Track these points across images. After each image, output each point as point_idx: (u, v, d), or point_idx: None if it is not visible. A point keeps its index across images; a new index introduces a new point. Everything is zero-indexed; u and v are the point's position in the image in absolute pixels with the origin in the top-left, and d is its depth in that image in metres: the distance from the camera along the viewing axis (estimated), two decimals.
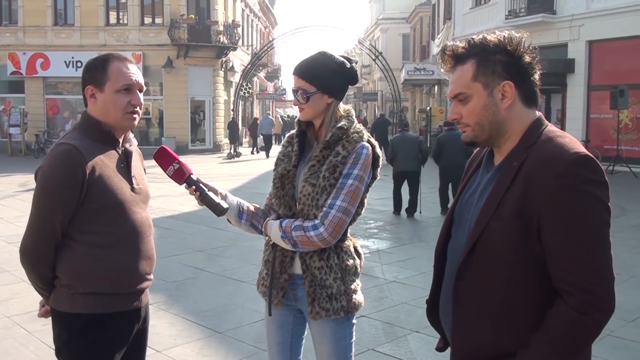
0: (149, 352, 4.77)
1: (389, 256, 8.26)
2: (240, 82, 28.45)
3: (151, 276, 2.61)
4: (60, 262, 2.40)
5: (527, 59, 1.85)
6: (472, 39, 1.89)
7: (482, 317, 1.84)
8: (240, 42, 32.28)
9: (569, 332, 1.70)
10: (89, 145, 2.40)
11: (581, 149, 1.75)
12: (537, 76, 1.89)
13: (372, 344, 4.99)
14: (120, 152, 2.53)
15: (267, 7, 49.20)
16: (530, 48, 1.86)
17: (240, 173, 20.03)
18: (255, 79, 39.39)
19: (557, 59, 20.83)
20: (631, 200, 12.87)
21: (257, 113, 43.67)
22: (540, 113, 1.94)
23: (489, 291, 1.82)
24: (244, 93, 30.09)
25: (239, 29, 31.79)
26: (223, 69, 30.27)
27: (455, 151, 10.77)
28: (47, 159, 2.39)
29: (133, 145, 2.62)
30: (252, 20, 42.20)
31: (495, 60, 1.84)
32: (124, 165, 2.52)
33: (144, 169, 2.73)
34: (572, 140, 1.81)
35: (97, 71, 2.45)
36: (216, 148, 29.60)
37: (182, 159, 2.57)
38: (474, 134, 1.91)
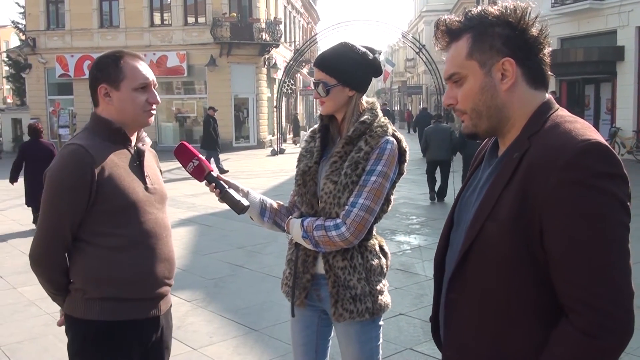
0: (184, 349, 4.80)
1: (431, 252, 8.09)
2: (283, 78, 28.41)
3: (171, 281, 2.49)
4: (73, 266, 2.32)
5: (533, 32, 1.56)
6: (470, 10, 1.64)
7: (477, 336, 1.58)
8: (282, 39, 32.34)
9: (576, 358, 1.40)
10: (99, 145, 2.31)
11: (593, 135, 1.45)
12: (546, 52, 1.59)
13: (411, 343, 4.89)
14: (132, 151, 2.44)
15: (310, 3, 49.17)
16: (538, 20, 1.58)
17: (284, 169, 20.01)
18: (298, 75, 39.42)
19: (606, 46, 20.21)
20: None
21: (300, 109, 43.73)
22: (550, 95, 1.63)
23: (486, 305, 1.55)
24: (287, 89, 30.07)
25: (281, 26, 31.84)
26: (266, 66, 30.38)
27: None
28: (55, 160, 2.31)
29: (146, 144, 2.53)
30: (294, 17, 42.25)
31: (493, 34, 1.57)
32: (137, 164, 2.43)
33: (160, 170, 2.65)
34: (584, 125, 1.51)
35: (110, 69, 2.36)
36: (260, 145, 29.73)
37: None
38: (472, 123, 1.63)
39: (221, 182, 2.43)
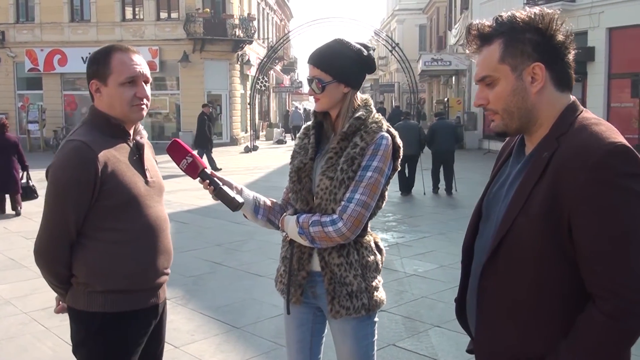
0: (166, 347, 4.72)
1: (409, 249, 8.16)
2: (257, 75, 28.32)
3: (168, 270, 2.56)
4: (76, 260, 2.35)
5: (560, 38, 1.70)
6: (500, 16, 1.75)
7: (507, 320, 1.71)
8: (256, 36, 32.21)
9: (601, 339, 1.56)
10: (99, 140, 2.34)
11: (618, 138, 1.60)
12: (571, 57, 1.73)
13: (393, 339, 4.91)
14: (131, 145, 2.46)
15: (283, 0, 49.06)
16: (563, 26, 1.70)
17: (258, 166, 19.99)
18: (271, 72, 39.31)
19: (577, 47, 20.44)
20: None
21: (273, 106, 43.66)
22: (574, 97, 1.77)
23: (516, 292, 1.69)
24: (261, 86, 30.02)
25: (255, 22, 31.71)
26: (239, 63, 30.23)
27: (446, 138, 13.04)
28: (57, 156, 2.34)
29: (143, 137, 2.55)
30: (267, 13, 42.10)
31: (524, 40, 1.69)
32: (137, 158, 2.46)
33: (156, 161, 2.66)
34: (609, 128, 1.64)
35: (99, 65, 2.39)
36: (233, 142, 29.59)
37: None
38: (504, 122, 1.75)
39: (215, 179, 2.42)
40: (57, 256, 2.34)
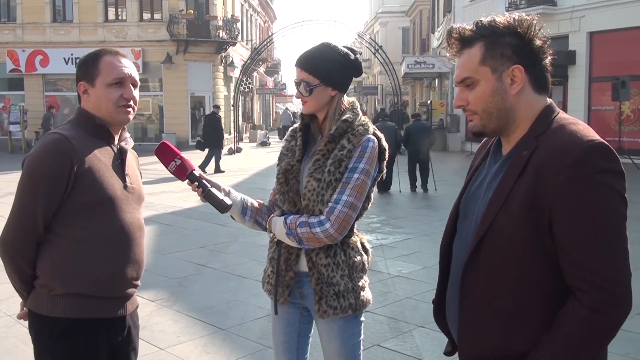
0: (152, 349, 4.76)
1: (393, 250, 8.21)
2: (240, 77, 28.31)
3: (138, 282, 2.49)
4: (41, 258, 2.29)
5: (538, 42, 1.75)
6: (480, 20, 1.78)
7: (490, 316, 1.74)
8: (239, 37, 32.19)
9: (583, 332, 1.59)
10: (82, 137, 2.31)
11: (595, 136, 1.64)
12: (548, 61, 1.78)
13: (377, 340, 4.95)
14: (115, 149, 2.44)
15: (266, 2, 49.03)
16: (541, 31, 1.75)
17: (242, 168, 19.97)
18: (255, 74, 39.27)
19: (558, 50, 20.73)
20: (634, 191, 12.77)
21: (257, 108, 43.60)
22: (551, 100, 1.82)
23: (498, 288, 1.72)
24: (244, 88, 29.99)
25: (238, 24, 31.69)
26: (223, 64, 30.18)
27: (420, 139, 13.58)
28: (35, 147, 2.32)
29: (129, 144, 2.53)
30: (251, 15, 42.07)
31: (504, 43, 1.73)
32: (119, 163, 2.43)
33: (140, 172, 2.63)
34: (586, 127, 1.69)
35: (88, 66, 2.38)
36: None
37: (183, 154, 2.48)
38: (482, 123, 1.79)
39: (203, 181, 2.43)
40: (21, 249, 2.28)
